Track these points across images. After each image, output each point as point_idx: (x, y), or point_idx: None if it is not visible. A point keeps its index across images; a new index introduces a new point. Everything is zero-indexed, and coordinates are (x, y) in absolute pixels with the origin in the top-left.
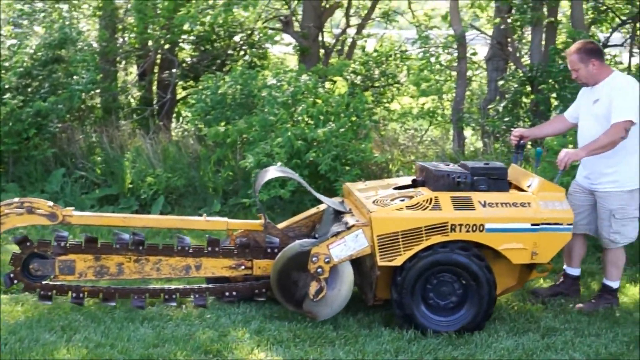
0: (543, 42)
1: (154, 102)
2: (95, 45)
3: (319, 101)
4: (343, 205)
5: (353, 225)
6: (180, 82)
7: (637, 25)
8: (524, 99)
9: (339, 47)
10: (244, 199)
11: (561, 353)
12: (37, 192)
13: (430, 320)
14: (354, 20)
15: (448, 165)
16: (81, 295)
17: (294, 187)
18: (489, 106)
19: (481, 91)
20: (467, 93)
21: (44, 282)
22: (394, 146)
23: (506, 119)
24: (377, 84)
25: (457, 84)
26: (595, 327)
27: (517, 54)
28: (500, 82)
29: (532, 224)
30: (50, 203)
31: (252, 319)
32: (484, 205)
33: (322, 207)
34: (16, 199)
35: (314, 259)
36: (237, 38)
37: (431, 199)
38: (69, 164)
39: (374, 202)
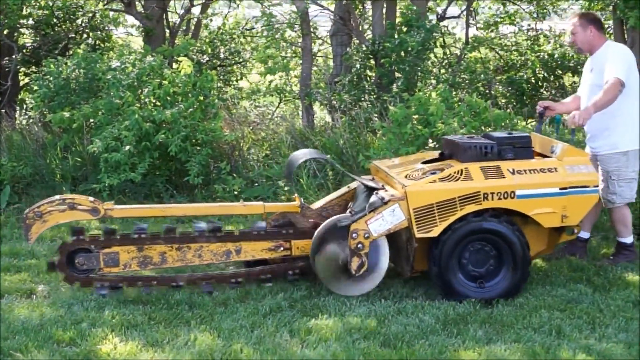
0: (384, 17)
1: None
2: None
3: (165, 82)
4: (375, 182)
5: (389, 200)
6: (22, 69)
7: None
8: (369, 73)
9: (185, 27)
10: (94, 185)
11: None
12: None
13: (469, 288)
14: None
15: (472, 137)
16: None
17: (145, 169)
18: (335, 80)
19: (327, 66)
20: (314, 69)
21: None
22: (244, 124)
23: (352, 93)
24: (224, 63)
25: (303, 60)
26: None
27: (360, 29)
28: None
29: (560, 188)
30: (91, 198)
31: (106, 304)
32: (513, 173)
33: (353, 185)
34: (57, 197)
35: (353, 235)
36: (79, 21)
37: (462, 170)
38: None
39: (406, 176)
